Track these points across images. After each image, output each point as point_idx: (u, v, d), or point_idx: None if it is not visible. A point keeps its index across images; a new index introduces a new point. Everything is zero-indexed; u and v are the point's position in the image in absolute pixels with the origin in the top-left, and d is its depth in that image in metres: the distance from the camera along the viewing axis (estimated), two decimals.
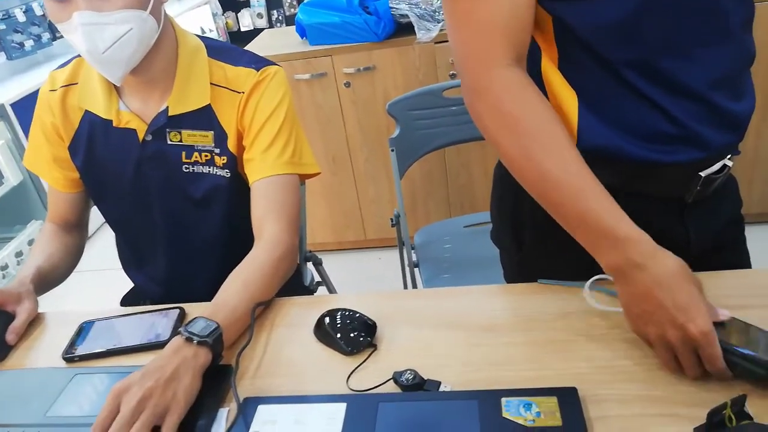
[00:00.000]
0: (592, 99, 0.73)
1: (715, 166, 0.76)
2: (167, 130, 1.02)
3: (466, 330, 0.77)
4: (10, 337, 0.89)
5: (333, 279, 1.52)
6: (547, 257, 0.82)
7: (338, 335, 0.78)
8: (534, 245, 0.75)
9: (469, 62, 0.71)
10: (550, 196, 0.69)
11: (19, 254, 2.50)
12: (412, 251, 1.60)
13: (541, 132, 0.68)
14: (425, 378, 0.70)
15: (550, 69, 0.74)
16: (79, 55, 1.05)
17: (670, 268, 0.63)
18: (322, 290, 1.50)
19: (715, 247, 0.85)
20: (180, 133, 1.02)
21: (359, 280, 2.33)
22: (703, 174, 0.75)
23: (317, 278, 1.50)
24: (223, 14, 4.87)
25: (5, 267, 2.43)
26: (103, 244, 1.22)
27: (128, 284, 1.28)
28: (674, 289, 0.62)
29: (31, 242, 2.58)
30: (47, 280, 1.05)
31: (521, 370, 0.70)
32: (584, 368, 0.69)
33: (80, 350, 0.85)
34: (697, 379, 0.63)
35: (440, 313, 0.81)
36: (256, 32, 4.94)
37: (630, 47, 0.68)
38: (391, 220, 1.59)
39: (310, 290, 1.45)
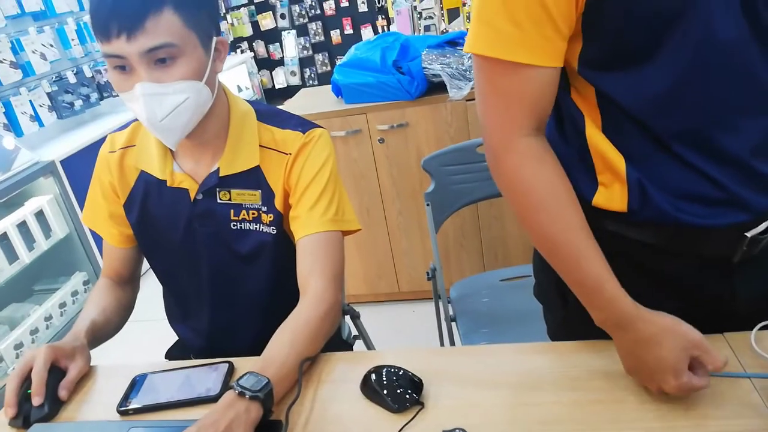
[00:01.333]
0: (638, 163, 0.75)
1: (761, 226, 0.76)
2: (217, 189, 1.07)
3: (512, 388, 0.78)
4: (62, 393, 0.92)
5: (367, 331, 1.53)
6: (591, 318, 0.82)
7: (385, 392, 0.79)
8: (577, 304, 0.77)
9: (493, 128, 0.76)
10: (554, 257, 0.77)
11: (62, 305, 2.58)
12: (449, 305, 1.60)
13: (549, 204, 0.75)
14: None
15: (594, 133, 0.77)
16: (136, 120, 1.12)
17: (646, 329, 0.71)
18: (359, 344, 1.51)
19: None
20: (229, 192, 1.07)
21: (394, 333, 2.32)
22: (749, 234, 0.76)
23: (354, 332, 1.52)
24: (258, 72, 5.10)
25: (49, 318, 2.50)
26: (142, 295, 1.27)
27: (168, 334, 1.31)
28: (649, 346, 0.70)
29: (74, 293, 2.66)
30: (100, 333, 1.08)
31: (567, 430, 0.70)
32: (633, 429, 0.69)
33: (134, 403, 0.88)
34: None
35: (485, 371, 0.82)
36: (289, 89, 5.14)
37: (671, 117, 0.71)
38: (427, 273, 1.61)
39: (348, 343, 1.46)
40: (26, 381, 0.90)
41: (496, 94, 0.73)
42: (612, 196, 0.77)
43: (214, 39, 0.98)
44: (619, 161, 0.75)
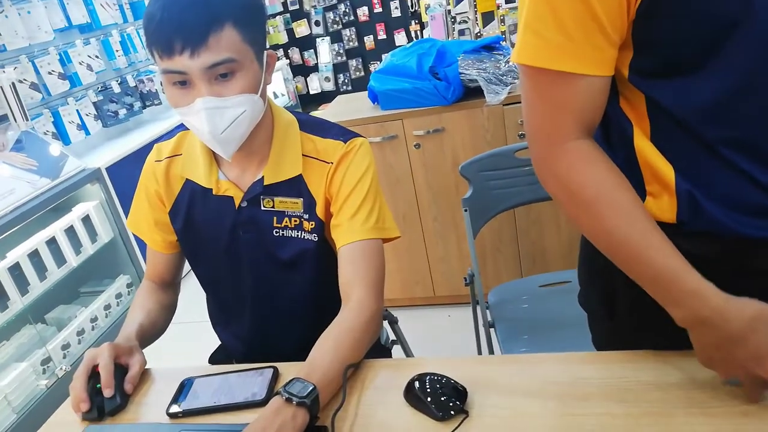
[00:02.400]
0: (689, 173, 0.73)
1: None
2: (262, 197, 1.09)
3: (559, 399, 0.77)
4: (127, 386, 0.96)
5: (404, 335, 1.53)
6: (641, 326, 0.81)
7: (429, 399, 0.79)
8: (627, 314, 0.75)
9: (540, 136, 0.75)
10: (620, 254, 0.72)
11: (107, 307, 2.66)
12: (487, 311, 1.59)
13: (606, 195, 0.71)
14: None
15: (643, 142, 0.75)
16: (181, 128, 1.15)
17: (738, 322, 0.65)
18: (396, 349, 1.51)
19: None
20: (273, 200, 1.09)
21: (430, 338, 2.32)
22: None
23: (392, 336, 1.52)
24: (293, 79, 5.16)
25: (95, 319, 2.58)
26: (185, 299, 1.30)
27: (211, 337, 1.34)
28: (742, 341, 0.65)
29: (119, 296, 2.74)
30: (148, 335, 1.12)
31: None
32: None
33: (183, 406, 0.90)
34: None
35: (531, 380, 0.81)
36: (324, 95, 5.19)
37: (725, 126, 0.69)
38: (465, 279, 1.60)
39: (386, 348, 1.47)
40: (91, 378, 0.94)
41: (543, 103, 0.73)
42: (661, 206, 0.75)
43: (265, 52, 1.00)
44: (668, 171, 0.73)
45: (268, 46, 1.02)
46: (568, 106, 0.71)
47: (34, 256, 2.33)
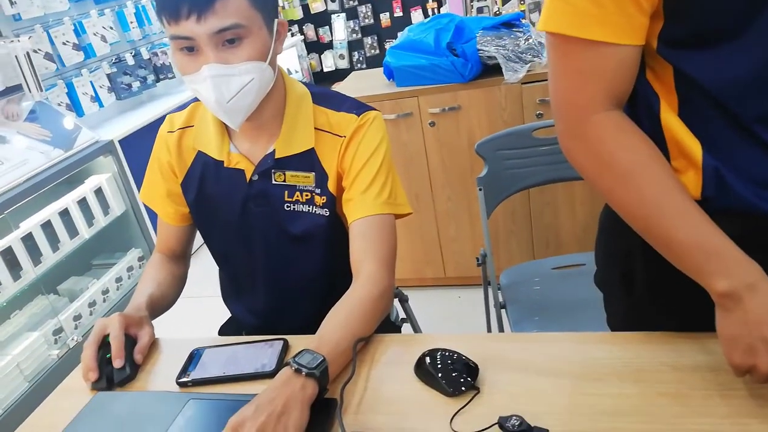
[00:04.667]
0: (716, 149, 0.70)
1: None
2: (273, 170, 1.08)
3: (572, 377, 0.76)
4: (137, 356, 0.96)
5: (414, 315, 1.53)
6: (659, 307, 0.79)
7: (440, 375, 0.79)
8: (645, 294, 0.73)
9: (568, 108, 0.72)
10: (654, 225, 0.69)
11: (119, 280, 2.68)
12: (499, 292, 1.58)
13: (639, 165, 0.69)
14: (532, 425, 0.69)
15: (670, 116, 0.73)
16: (195, 100, 1.13)
17: None
18: (406, 327, 1.51)
19: None
20: (284, 173, 1.08)
21: (440, 318, 2.32)
22: None
23: (402, 315, 1.52)
24: (307, 56, 5.12)
25: (107, 291, 2.60)
26: (197, 273, 1.30)
27: (221, 311, 1.34)
28: None
29: (130, 269, 2.76)
30: (158, 306, 1.12)
31: (632, 423, 0.68)
32: (700, 424, 0.66)
33: (193, 376, 0.90)
34: None
35: (544, 358, 0.80)
36: (338, 72, 5.14)
37: (757, 100, 0.66)
38: (477, 259, 1.59)
39: (396, 326, 1.46)
40: (101, 347, 0.95)
41: (571, 72, 0.70)
42: (686, 183, 0.73)
43: (276, 21, 0.98)
44: (695, 147, 0.71)
45: (280, 16, 1.00)
46: (598, 76, 0.69)
47: (47, 226, 2.34)
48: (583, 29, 0.66)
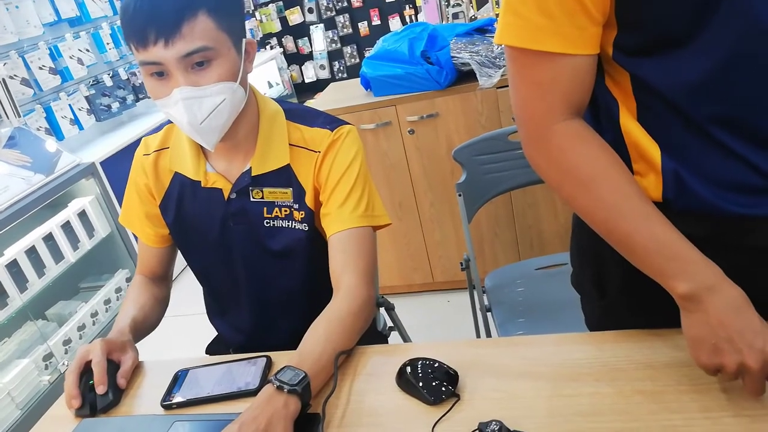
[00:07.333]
0: (675, 151, 0.72)
1: None
2: (250, 188, 1.09)
3: (549, 379, 0.77)
4: (121, 381, 0.96)
5: (403, 322, 1.53)
6: (631, 308, 0.80)
7: (420, 384, 0.79)
8: (618, 295, 0.74)
9: (529, 118, 0.74)
10: (614, 229, 0.71)
11: (107, 302, 2.67)
12: (484, 295, 1.59)
13: (599, 173, 0.71)
14: (511, 429, 0.70)
15: (629, 121, 0.74)
16: (169, 122, 1.14)
17: (740, 294, 0.65)
18: (394, 335, 1.51)
19: None
20: (262, 190, 1.09)
21: (429, 324, 2.33)
22: None
23: (389, 323, 1.53)
24: (288, 68, 5.13)
25: (95, 314, 2.59)
26: (182, 292, 1.30)
27: (206, 329, 1.35)
28: (748, 313, 0.64)
29: (118, 290, 2.74)
30: (141, 329, 1.12)
31: (608, 422, 0.69)
32: (675, 420, 0.67)
33: (177, 398, 0.91)
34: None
35: (522, 362, 0.82)
36: (319, 83, 5.15)
37: (711, 103, 0.67)
38: (461, 263, 1.60)
39: (383, 335, 1.47)
40: (84, 374, 0.95)
41: (529, 84, 0.72)
42: (647, 185, 0.75)
43: (243, 40, 0.99)
44: (653, 150, 0.73)
45: (252, 32, 1.01)
46: (555, 86, 0.70)
47: (32, 252, 2.33)
48: (537, 41, 0.67)
